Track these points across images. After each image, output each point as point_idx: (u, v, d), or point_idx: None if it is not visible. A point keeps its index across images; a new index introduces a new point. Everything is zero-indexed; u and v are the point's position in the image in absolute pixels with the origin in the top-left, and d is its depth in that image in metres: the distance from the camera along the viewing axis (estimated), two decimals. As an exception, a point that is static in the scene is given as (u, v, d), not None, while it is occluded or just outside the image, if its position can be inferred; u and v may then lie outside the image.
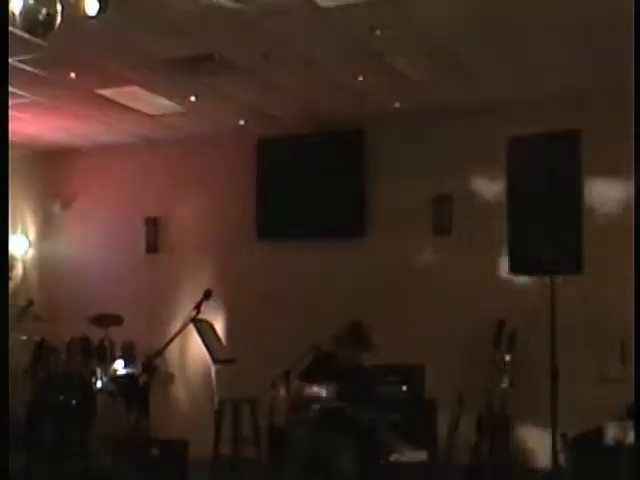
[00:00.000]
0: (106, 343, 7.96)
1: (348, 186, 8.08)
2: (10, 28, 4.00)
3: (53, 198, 9.60)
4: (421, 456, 5.67)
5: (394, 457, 5.60)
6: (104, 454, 7.17)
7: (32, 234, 9.71)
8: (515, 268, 5.34)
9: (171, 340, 5.27)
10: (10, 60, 5.73)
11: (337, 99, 7.53)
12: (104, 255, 9.28)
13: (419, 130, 7.94)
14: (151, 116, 8.14)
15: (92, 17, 4.13)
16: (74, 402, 7.32)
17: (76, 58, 6.35)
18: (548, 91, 7.18)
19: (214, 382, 7.20)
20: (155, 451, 6.40)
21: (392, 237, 8.04)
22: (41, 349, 7.97)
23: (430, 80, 6.95)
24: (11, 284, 8.67)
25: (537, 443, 5.67)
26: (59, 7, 3.96)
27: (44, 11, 3.90)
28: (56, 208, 9.59)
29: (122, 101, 7.58)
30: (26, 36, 4.31)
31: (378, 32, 5.76)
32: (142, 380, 6.45)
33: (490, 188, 7.39)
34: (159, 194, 9.11)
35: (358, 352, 6.06)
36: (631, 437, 5.30)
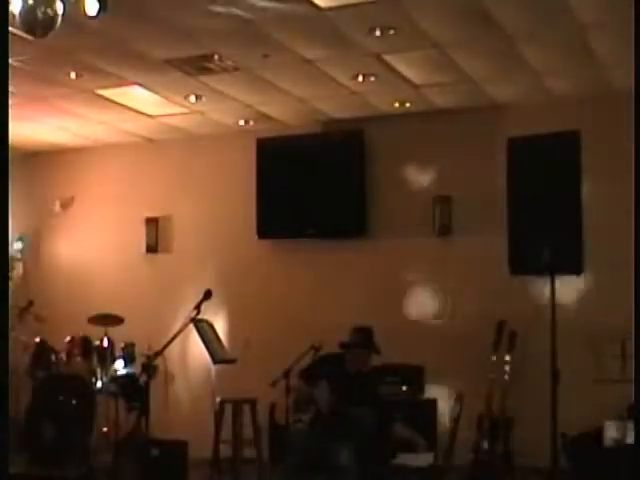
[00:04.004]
0: (106, 343, 7.96)
1: (348, 186, 8.07)
2: (10, 28, 4.01)
3: (53, 198, 9.60)
4: (424, 460, 5.64)
5: (396, 460, 5.58)
6: (104, 454, 7.18)
7: (32, 234, 9.70)
8: (515, 268, 5.33)
9: (171, 340, 5.27)
10: (10, 60, 5.73)
11: (337, 99, 7.53)
12: (104, 255, 9.28)
13: (419, 130, 7.94)
14: (151, 116, 8.14)
15: (92, 17, 4.14)
16: (74, 402, 7.31)
17: (76, 58, 6.35)
18: (548, 91, 7.18)
19: (214, 382, 7.20)
20: (155, 451, 6.40)
21: (392, 237, 8.04)
22: (41, 349, 7.96)
23: (430, 80, 6.96)
24: (11, 284, 8.67)
25: (537, 443, 5.65)
26: (59, 7, 3.96)
27: (44, 11, 3.90)
28: (56, 208, 9.59)
29: (122, 101, 7.58)
30: (26, 36, 4.30)
31: (378, 32, 5.77)
32: (142, 380, 6.43)
33: (490, 188, 7.38)
34: (159, 194, 9.11)
35: (365, 357, 6.03)
36: (631, 437, 5.30)
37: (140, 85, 7.11)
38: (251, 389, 7.06)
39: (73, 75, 6.75)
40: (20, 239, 9.53)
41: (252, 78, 6.89)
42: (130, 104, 7.69)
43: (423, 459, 5.63)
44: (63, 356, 7.90)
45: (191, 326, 5.95)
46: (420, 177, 7.97)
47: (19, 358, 7.84)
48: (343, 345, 6.01)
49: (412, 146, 8.00)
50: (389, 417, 5.81)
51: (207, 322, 6.87)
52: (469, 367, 7.25)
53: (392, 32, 5.77)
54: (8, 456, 3.95)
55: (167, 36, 5.88)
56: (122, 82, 7.00)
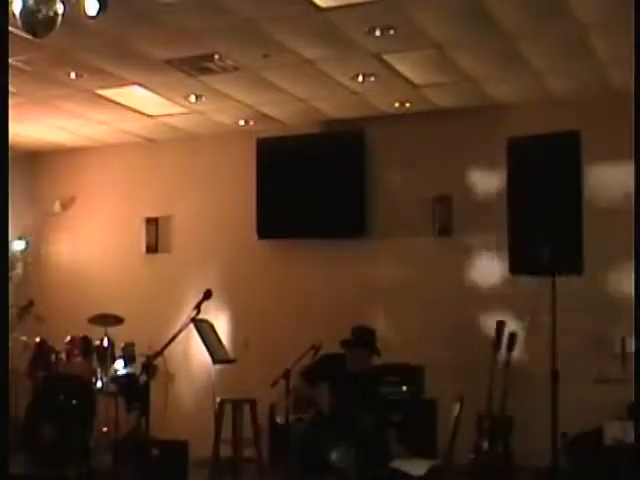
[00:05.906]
0: (106, 343, 7.96)
1: (348, 186, 8.07)
2: (10, 28, 4.00)
3: (53, 198, 9.60)
4: (422, 469, 5.61)
5: (396, 464, 5.56)
6: (104, 454, 7.18)
7: (32, 234, 9.70)
8: (515, 268, 5.34)
9: (171, 340, 5.27)
10: (10, 60, 5.73)
11: (337, 99, 7.53)
12: (104, 255, 9.28)
13: (419, 130, 7.94)
14: (151, 116, 8.14)
15: (92, 17, 4.14)
16: (74, 402, 7.31)
17: (76, 58, 6.35)
18: (548, 91, 7.18)
19: (214, 382, 7.19)
20: (155, 451, 6.40)
21: (392, 237, 8.04)
22: (41, 349, 7.96)
23: (430, 80, 6.95)
24: (11, 284, 8.66)
25: (537, 443, 5.66)
26: (59, 7, 3.96)
27: (44, 11, 3.90)
28: (56, 208, 9.59)
29: (122, 101, 7.59)
30: (26, 36, 4.30)
31: (378, 32, 5.77)
32: (142, 380, 6.42)
33: (490, 188, 7.39)
34: (159, 194, 9.11)
35: (365, 356, 6.01)
36: (631, 437, 5.30)
37: (140, 85, 7.11)
38: (251, 389, 7.05)
39: (73, 75, 6.75)
40: (20, 239, 9.53)
41: (252, 78, 6.89)
42: (130, 104, 7.69)
43: (419, 466, 5.61)
44: (63, 356, 7.90)
45: (191, 326, 5.95)
46: (420, 177, 7.97)
47: (19, 358, 7.84)
48: (344, 343, 6.00)
49: (412, 146, 7.99)
50: (387, 426, 5.78)
51: (207, 322, 6.87)
52: (469, 367, 7.25)
53: (392, 32, 5.77)
54: (8, 456, 3.94)
55: (167, 36, 5.88)
56: (122, 82, 7.00)
